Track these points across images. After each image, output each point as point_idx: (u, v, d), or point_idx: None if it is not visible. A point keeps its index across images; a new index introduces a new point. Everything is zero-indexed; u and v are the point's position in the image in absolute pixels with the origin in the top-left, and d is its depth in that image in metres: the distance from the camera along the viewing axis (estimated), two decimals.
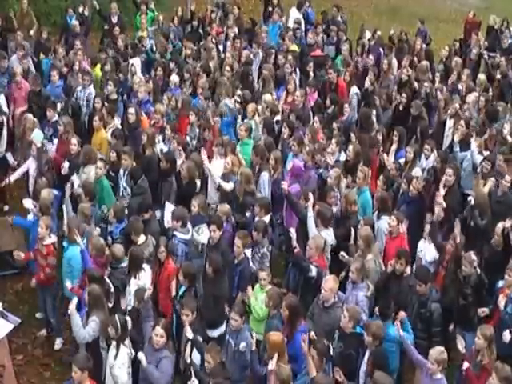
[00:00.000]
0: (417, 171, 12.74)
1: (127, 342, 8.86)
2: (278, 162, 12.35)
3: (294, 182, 12.17)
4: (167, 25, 20.16)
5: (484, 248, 11.16)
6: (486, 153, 13.13)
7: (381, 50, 18.81)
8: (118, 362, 8.78)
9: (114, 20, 19.51)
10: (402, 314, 9.38)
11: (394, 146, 13.42)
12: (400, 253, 10.15)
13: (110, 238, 10.99)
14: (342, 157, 13.03)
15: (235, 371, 9.02)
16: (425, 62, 17.62)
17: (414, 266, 10.64)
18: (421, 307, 9.68)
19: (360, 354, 9.05)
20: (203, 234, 10.92)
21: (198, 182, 12.34)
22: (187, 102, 14.71)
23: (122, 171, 12.33)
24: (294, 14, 21.38)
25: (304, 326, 9.23)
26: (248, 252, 10.49)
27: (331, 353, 8.84)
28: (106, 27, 19.58)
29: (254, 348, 8.95)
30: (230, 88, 15.32)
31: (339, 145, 13.10)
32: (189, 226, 10.93)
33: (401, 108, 15.22)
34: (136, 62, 16.88)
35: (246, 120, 14.14)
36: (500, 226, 10.74)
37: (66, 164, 12.55)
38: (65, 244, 10.68)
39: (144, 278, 10.03)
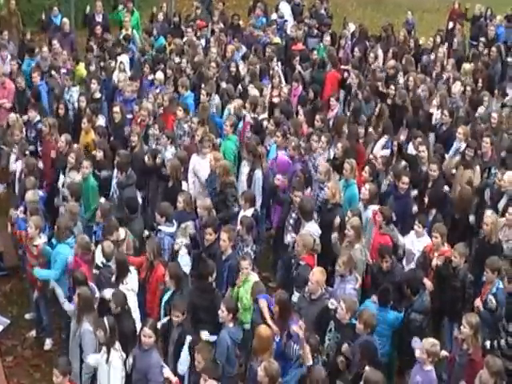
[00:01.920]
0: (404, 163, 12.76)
1: (117, 345, 8.80)
2: (262, 157, 12.40)
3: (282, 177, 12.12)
4: (152, 22, 20.18)
5: (471, 240, 11.22)
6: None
7: (366, 42, 18.87)
8: (111, 366, 8.72)
9: (99, 19, 19.47)
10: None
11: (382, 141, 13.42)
12: (382, 251, 10.14)
13: (94, 239, 10.98)
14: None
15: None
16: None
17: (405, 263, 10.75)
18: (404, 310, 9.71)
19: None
20: (189, 233, 10.95)
21: (185, 182, 12.38)
22: (172, 99, 14.70)
23: (115, 171, 12.32)
24: (284, 7, 21.42)
25: (296, 321, 9.18)
26: None
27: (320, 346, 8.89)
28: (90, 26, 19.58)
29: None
30: (215, 84, 15.33)
31: (329, 143, 13.06)
32: (173, 221, 10.92)
33: (389, 102, 15.16)
34: (124, 59, 16.84)
35: (230, 115, 14.12)
36: (489, 213, 10.73)
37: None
38: (54, 241, 10.59)
39: (131, 282, 9.93)
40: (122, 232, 10.62)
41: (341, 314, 9.10)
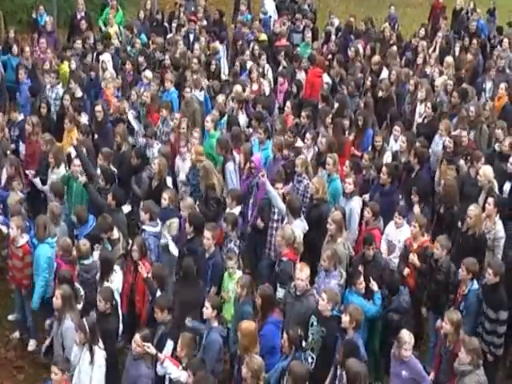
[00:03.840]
0: (387, 157, 12.77)
1: (100, 344, 8.73)
2: (247, 155, 12.39)
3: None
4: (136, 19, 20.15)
5: (455, 234, 11.11)
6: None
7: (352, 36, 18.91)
8: (95, 365, 8.65)
9: (80, 16, 19.35)
10: (375, 287, 9.67)
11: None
12: (367, 239, 10.25)
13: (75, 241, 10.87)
14: None
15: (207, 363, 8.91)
16: (394, 48, 17.69)
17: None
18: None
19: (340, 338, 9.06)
20: (174, 230, 10.99)
21: (169, 178, 12.34)
22: (155, 97, 14.65)
23: (99, 171, 12.24)
24: (269, 3, 21.39)
25: (277, 318, 9.21)
26: None
27: (303, 342, 8.85)
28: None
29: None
30: (198, 80, 15.29)
31: (314, 139, 13.08)
32: (158, 220, 10.90)
33: (369, 94, 15.16)
34: (107, 58, 16.79)
35: (214, 111, 14.08)
36: (472, 207, 10.69)
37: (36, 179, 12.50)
38: (34, 242, 10.53)
39: (116, 280, 9.93)
40: (115, 232, 10.60)
41: (322, 306, 9.06)
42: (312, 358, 8.98)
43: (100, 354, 8.70)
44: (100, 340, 8.77)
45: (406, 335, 8.62)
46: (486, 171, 11.60)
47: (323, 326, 9.09)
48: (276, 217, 11.24)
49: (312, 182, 11.42)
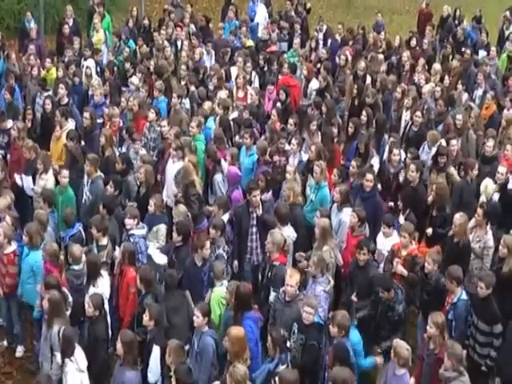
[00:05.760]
0: (374, 162, 12.81)
1: (75, 356, 8.66)
2: (233, 159, 12.47)
3: (233, 189, 12.15)
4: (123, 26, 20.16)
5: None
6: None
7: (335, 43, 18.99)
8: (67, 377, 8.61)
9: (69, 23, 19.35)
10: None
11: None
12: (362, 243, 10.22)
13: (62, 244, 10.96)
14: (305, 157, 13.08)
15: (198, 371, 8.94)
16: (380, 55, 17.77)
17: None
18: (387, 311, 9.62)
19: (326, 344, 9.09)
20: (161, 236, 11.04)
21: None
22: (143, 103, 14.67)
23: (85, 179, 12.27)
24: (261, 9, 21.51)
25: (254, 314, 9.28)
26: None
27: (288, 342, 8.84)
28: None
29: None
30: (184, 87, 15.34)
31: (300, 145, 13.14)
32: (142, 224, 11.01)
33: (356, 102, 15.22)
34: (91, 64, 16.81)
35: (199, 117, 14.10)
36: (457, 216, 10.73)
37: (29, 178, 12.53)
38: (25, 250, 10.45)
39: (102, 286, 9.94)
40: (105, 239, 10.62)
41: (303, 315, 9.06)
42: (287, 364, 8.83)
43: (72, 367, 8.63)
44: (76, 352, 8.69)
45: (406, 351, 8.59)
46: (482, 186, 11.83)
47: (303, 334, 9.11)
48: (254, 222, 11.31)
49: (284, 188, 11.51)
